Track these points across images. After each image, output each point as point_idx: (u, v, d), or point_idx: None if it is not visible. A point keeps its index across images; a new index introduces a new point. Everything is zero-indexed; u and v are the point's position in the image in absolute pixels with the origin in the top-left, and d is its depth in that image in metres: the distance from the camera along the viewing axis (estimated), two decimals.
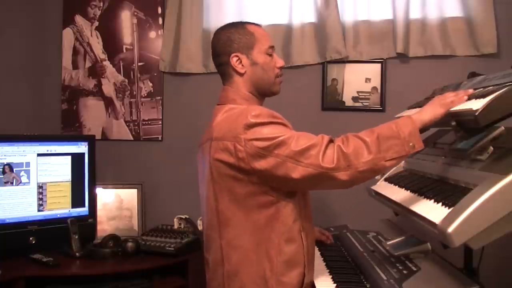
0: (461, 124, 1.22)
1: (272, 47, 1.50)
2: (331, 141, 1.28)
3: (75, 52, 2.73)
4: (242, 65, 1.47)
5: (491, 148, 1.18)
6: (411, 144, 1.23)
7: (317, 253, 1.71)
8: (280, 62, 1.51)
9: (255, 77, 1.47)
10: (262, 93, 1.51)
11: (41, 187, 2.23)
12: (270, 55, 1.49)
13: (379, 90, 2.44)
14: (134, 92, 2.69)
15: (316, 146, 1.26)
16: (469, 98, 1.24)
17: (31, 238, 2.15)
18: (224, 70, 1.50)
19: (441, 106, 1.27)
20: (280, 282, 1.34)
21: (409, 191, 1.40)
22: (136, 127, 2.69)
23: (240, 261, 1.37)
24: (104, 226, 2.46)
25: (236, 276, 1.37)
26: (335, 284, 1.37)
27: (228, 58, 1.47)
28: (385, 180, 1.71)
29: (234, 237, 1.38)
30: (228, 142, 1.33)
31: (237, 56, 1.46)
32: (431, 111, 1.27)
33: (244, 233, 1.36)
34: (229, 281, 1.39)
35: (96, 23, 2.72)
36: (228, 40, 1.47)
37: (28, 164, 2.20)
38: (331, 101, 2.49)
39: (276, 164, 1.28)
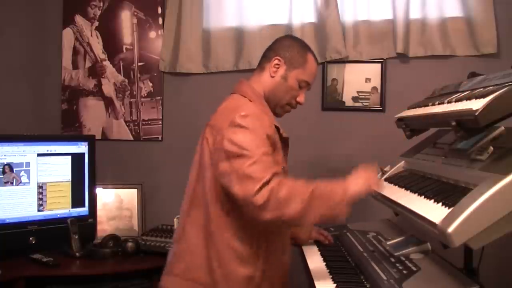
0: (461, 124, 1.22)
1: (308, 84, 1.58)
2: (273, 180, 1.31)
3: (75, 52, 2.73)
4: (276, 71, 1.55)
5: (491, 148, 1.18)
6: (335, 212, 1.33)
7: (317, 253, 1.71)
8: (301, 99, 1.59)
9: (276, 87, 1.55)
10: (268, 103, 1.56)
11: (41, 187, 2.23)
12: (301, 87, 1.56)
13: (379, 90, 2.44)
14: (134, 92, 2.69)
15: (259, 181, 1.29)
16: (469, 98, 1.24)
17: (31, 238, 2.15)
18: (262, 62, 1.59)
19: (366, 185, 1.39)
20: (225, 275, 1.39)
21: (409, 191, 1.40)
22: (136, 127, 2.69)
23: (194, 243, 1.43)
24: (104, 226, 2.45)
25: (186, 255, 1.44)
26: (335, 284, 1.37)
27: (273, 56, 1.55)
28: (385, 180, 1.71)
29: (197, 219, 1.44)
30: (215, 131, 1.42)
31: (279, 61, 1.54)
32: (361, 187, 1.38)
33: (206, 218, 1.42)
34: (179, 259, 1.46)
35: (96, 23, 2.72)
36: (287, 46, 1.57)
37: (28, 164, 2.20)
38: (331, 101, 2.49)
39: (226, 171, 1.35)
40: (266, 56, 1.58)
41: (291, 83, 1.54)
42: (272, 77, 1.55)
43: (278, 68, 1.54)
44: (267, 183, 1.29)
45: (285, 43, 1.58)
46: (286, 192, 1.29)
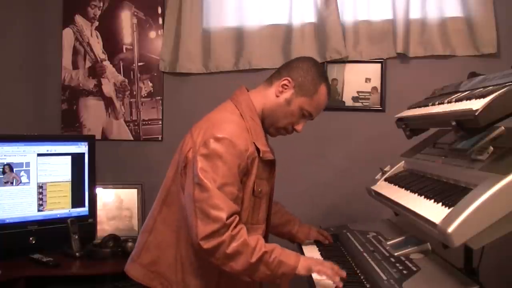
0: (461, 124, 1.22)
1: (311, 116, 1.51)
2: (226, 231, 1.29)
3: (75, 52, 2.72)
4: (282, 92, 1.47)
5: (491, 148, 1.19)
6: (277, 281, 1.36)
7: (317, 253, 1.72)
8: (299, 128, 1.52)
9: (276, 108, 1.48)
10: (264, 120, 1.51)
11: (41, 187, 2.23)
12: (303, 116, 1.50)
13: (379, 90, 2.44)
14: (134, 92, 2.69)
15: (212, 224, 1.28)
16: (469, 98, 1.24)
17: (31, 238, 2.15)
18: (273, 77, 1.52)
19: (310, 268, 1.35)
20: (182, 279, 1.41)
21: (409, 191, 1.40)
22: (136, 127, 2.69)
23: (163, 240, 1.44)
24: (104, 226, 2.45)
25: (155, 249, 1.45)
26: (335, 285, 1.37)
27: (284, 76, 1.48)
28: (385, 180, 1.71)
29: (168, 217, 1.45)
30: (191, 142, 1.40)
31: (289, 82, 1.47)
32: (309, 267, 1.35)
33: (178, 222, 1.43)
34: (147, 250, 1.47)
35: (96, 23, 2.72)
36: (303, 70, 1.48)
37: (28, 164, 2.20)
38: (331, 101, 2.48)
39: (189, 195, 1.34)
40: (279, 72, 1.51)
41: (293, 109, 1.47)
42: (277, 96, 1.47)
43: (285, 89, 1.46)
44: (219, 231, 1.28)
45: (302, 65, 1.49)
46: (236, 249, 1.29)
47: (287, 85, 1.47)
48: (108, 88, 2.71)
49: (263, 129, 1.51)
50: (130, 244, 2.16)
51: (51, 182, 2.26)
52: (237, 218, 1.33)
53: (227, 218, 1.29)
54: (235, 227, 1.31)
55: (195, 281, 1.40)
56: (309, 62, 1.51)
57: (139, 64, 2.69)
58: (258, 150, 1.41)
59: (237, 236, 1.30)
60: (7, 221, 2.13)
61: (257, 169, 1.41)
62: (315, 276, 1.38)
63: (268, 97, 1.49)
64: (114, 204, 2.50)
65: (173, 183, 1.46)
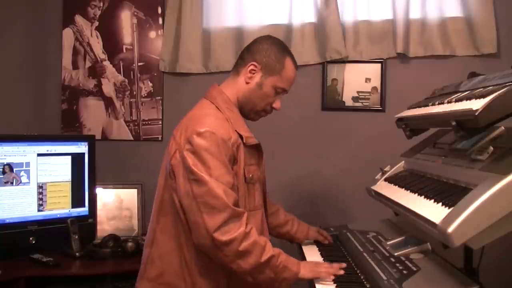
0: (461, 124, 1.22)
1: (285, 90, 1.53)
2: (238, 228, 1.31)
3: (75, 52, 2.73)
4: (251, 77, 1.49)
5: (491, 148, 1.19)
6: (278, 284, 1.39)
7: (317, 253, 1.71)
8: (277, 106, 1.54)
9: (250, 94, 1.50)
10: (242, 108, 1.53)
11: (41, 187, 2.23)
12: (277, 94, 1.51)
13: (379, 90, 2.44)
14: (134, 92, 2.69)
15: (221, 212, 1.30)
16: (469, 98, 1.24)
17: (31, 238, 2.15)
18: (238, 65, 1.53)
19: (314, 270, 1.41)
20: (192, 285, 1.40)
21: (409, 191, 1.40)
22: (136, 127, 2.69)
23: (166, 250, 1.43)
24: (104, 226, 2.45)
25: (159, 260, 1.43)
26: (335, 284, 1.37)
27: (249, 61, 1.50)
28: (385, 180, 1.71)
29: (166, 226, 1.43)
30: (175, 144, 1.42)
31: (255, 67, 1.49)
32: (312, 273, 1.40)
33: (176, 228, 1.41)
34: (152, 263, 1.45)
35: (96, 23, 2.72)
36: (264, 50, 1.49)
37: (28, 164, 2.20)
38: (331, 101, 2.49)
39: (188, 194, 1.34)
40: (243, 59, 1.52)
41: (266, 91, 1.49)
42: (247, 83, 1.49)
43: (253, 74, 1.49)
44: (229, 220, 1.30)
45: (262, 47, 1.50)
46: (247, 247, 1.31)
47: (254, 70, 1.49)
48: (108, 88, 2.71)
49: (243, 117, 1.53)
50: (130, 244, 2.16)
51: (51, 182, 2.26)
52: (245, 213, 1.35)
53: (233, 205, 1.31)
54: (247, 224, 1.33)
55: (205, 281, 1.39)
56: (268, 41, 1.53)
57: (139, 64, 2.69)
58: (241, 137, 1.43)
59: (249, 234, 1.32)
60: (7, 221, 2.13)
61: (244, 156, 1.43)
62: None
63: (239, 86, 1.51)
64: (114, 204, 2.50)
65: (165, 190, 1.45)
